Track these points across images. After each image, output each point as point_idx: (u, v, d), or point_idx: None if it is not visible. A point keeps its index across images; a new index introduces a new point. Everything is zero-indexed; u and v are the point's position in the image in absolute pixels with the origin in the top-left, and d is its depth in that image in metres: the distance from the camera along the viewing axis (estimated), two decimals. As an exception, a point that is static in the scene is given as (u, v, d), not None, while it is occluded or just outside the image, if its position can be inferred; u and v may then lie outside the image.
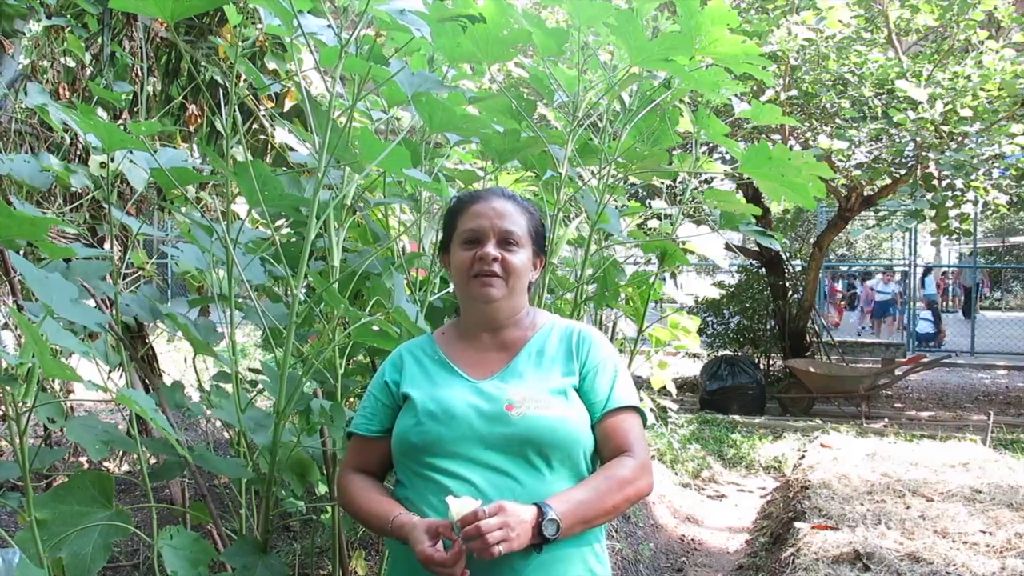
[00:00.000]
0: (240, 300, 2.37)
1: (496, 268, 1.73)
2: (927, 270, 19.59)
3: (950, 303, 23.35)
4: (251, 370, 2.95)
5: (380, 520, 1.66)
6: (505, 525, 1.48)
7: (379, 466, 1.82)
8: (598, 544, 1.74)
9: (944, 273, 23.14)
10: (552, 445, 1.66)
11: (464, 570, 1.51)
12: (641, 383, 3.80)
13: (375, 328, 2.27)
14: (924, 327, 16.17)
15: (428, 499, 1.65)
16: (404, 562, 1.68)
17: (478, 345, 1.81)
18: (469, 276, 1.74)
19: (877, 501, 4.31)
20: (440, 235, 1.92)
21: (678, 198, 3.28)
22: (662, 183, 4.31)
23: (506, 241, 1.75)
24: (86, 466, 4.44)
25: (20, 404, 1.77)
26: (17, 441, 1.79)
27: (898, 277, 17.94)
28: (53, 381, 3.82)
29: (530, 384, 1.72)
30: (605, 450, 1.74)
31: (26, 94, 2.81)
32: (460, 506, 1.51)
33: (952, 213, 8.57)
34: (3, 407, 2.03)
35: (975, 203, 9.19)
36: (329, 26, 2.09)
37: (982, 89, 7.55)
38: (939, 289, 20.49)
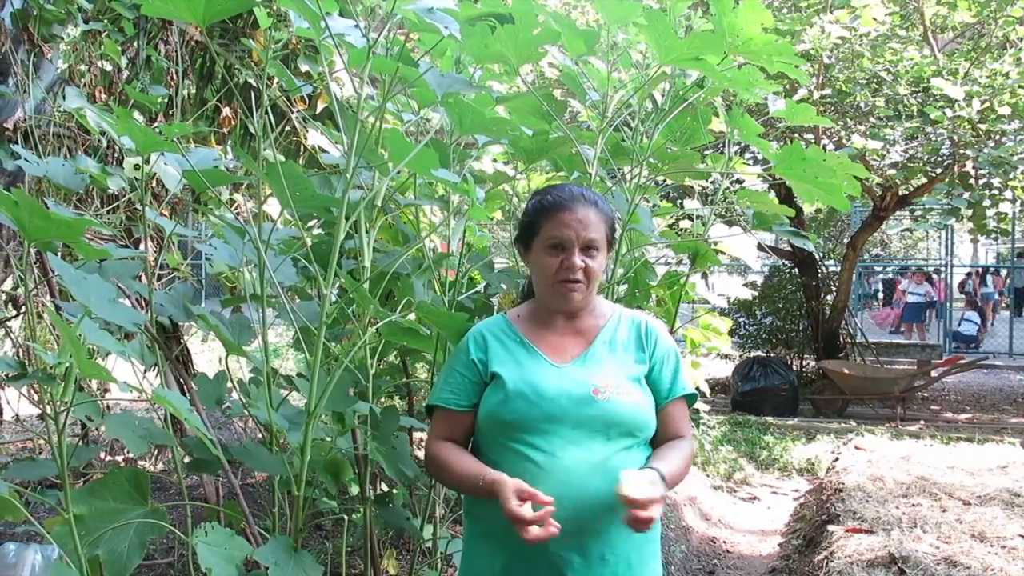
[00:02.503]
0: (272, 300, 2.39)
1: (579, 275, 1.89)
2: (986, 270, 19.37)
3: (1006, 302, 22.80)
4: (284, 376, 2.97)
5: (472, 479, 1.83)
6: (662, 504, 1.72)
7: (464, 436, 1.99)
8: None
9: (997, 272, 22.57)
10: (632, 426, 1.87)
11: (550, 528, 1.67)
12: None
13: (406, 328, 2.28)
14: (968, 328, 15.83)
15: (516, 469, 1.81)
16: (486, 525, 1.90)
17: (556, 330, 1.98)
18: (554, 280, 1.90)
19: (912, 504, 4.26)
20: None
21: (710, 198, 3.26)
22: (693, 183, 4.28)
23: (588, 247, 1.90)
24: (122, 465, 4.50)
25: (58, 403, 1.80)
26: (55, 439, 1.82)
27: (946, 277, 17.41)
28: (90, 380, 3.88)
29: (609, 370, 1.91)
30: (665, 430, 1.96)
31: (64, 98, 2.86)
32: (635, 486, 1.70)
33: (990, 212, 8.44)
34: (42, 405, 2.07)
35: (1013, 202, 9.04)
36: (356, 26, 2.09)
37: (1021, 87, 7.42)
38: (997, 289, 20.06)
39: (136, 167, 2.36)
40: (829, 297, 10.75)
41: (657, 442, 1.97)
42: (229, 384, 2.55)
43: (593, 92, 2.86)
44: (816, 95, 7.79)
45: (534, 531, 1.66)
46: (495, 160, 3.41)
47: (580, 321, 1.98)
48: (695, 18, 3.12)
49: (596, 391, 1.85)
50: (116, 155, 3.50)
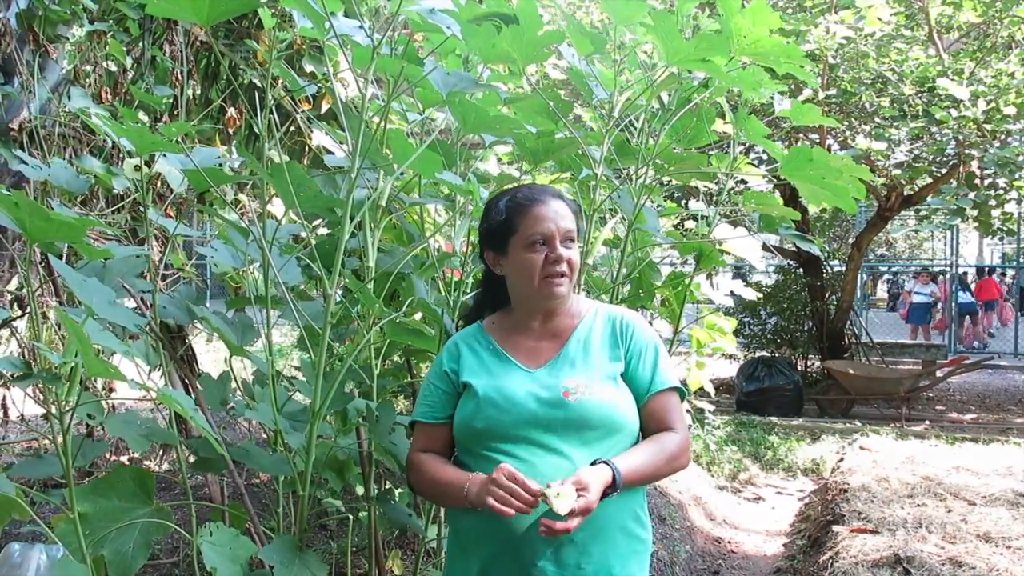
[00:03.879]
0: (276, 300, 2.39)
1: (564, 268, 1.85)
2: (991, 270, 19.57)
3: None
4: (294, 368, 2.97)
5: (455, 487, 1.79)
6: (590, 509, 1.65)
7: (445, 449, 1.95)
8: (640, 509, 1.89)
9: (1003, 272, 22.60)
10: (606, 427, 1.81)
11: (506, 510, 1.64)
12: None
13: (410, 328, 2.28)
14: (963, 297, 15.89)
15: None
16: (464, 536, 1.87)
17: (529, 334, 1.93)
18: (540, 277, 1.85)
19: (917, 505, 4.25)
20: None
21: (714, 199, 3.25)
22: (697, 183, 4.27)
23: (567, 240, 1.86)
24: (127, 464, 4.50)
25: (63, 403, 1.80)
26: (60, 439, 1.82)
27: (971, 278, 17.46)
28: (95, 380, 3.89)
29: (582, 371, 1.85)
30: (650, 426, 1.88)
31: (69, 98, 2.86)
32: (564, 498, 1.63)
33: (995, 212, 8.43)
34: (47, 405, 2.07)
35: (1019, 202, 9.03)
36: (361, 27, 2.08)
37: (1026, 86, 7.43)
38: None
39: (136, 168, 2.36)
40: (834, 297, 10.74)
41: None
42: (234, 384, 2.55)
43: (600, 90, 2.84)
44: (821, 95, 7.78)
45: (498, 505, 1.63)
46: (500, 160, 3.41)
47: (556, 322, 1.93)
48: (702, 18, 3.11)
49: (567, 393, 1.80)
50: (121, 155, 3.51)
